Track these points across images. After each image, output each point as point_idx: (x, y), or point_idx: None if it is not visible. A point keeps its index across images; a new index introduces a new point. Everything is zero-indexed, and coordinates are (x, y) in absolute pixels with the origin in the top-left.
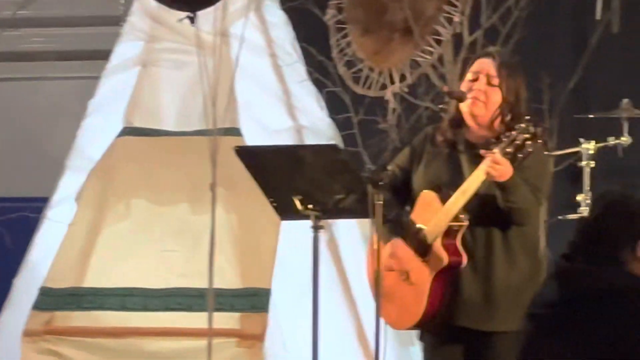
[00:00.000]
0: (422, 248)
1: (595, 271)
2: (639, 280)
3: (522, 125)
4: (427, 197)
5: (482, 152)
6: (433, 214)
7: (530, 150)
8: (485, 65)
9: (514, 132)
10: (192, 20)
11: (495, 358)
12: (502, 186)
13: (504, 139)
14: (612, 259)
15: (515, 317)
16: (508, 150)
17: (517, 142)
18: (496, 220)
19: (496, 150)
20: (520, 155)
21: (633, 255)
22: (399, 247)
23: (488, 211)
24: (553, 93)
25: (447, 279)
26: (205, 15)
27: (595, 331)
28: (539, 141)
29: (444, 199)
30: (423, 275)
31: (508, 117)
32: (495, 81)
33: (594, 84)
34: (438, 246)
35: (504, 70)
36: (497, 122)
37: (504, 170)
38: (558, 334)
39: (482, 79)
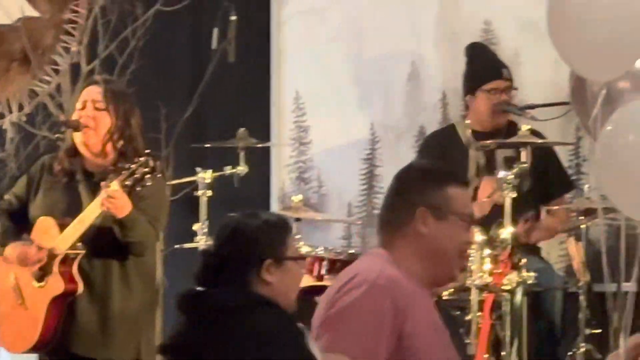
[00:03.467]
0: (39, 274)
1: (216, 293)
2: (259, 297)
3: (142, 158)
4: (44, 224)
5: (102, 184)
6: (51, 241)
7: (149, 183)
8: (91, 92)
9: (133, 165)
10: None
11: None
12: (120, 222)
13: (123, 172)
14: (239, 282)
15: (132, 345)
16: (127, 183)
17: (137, 175)
18: (114, 251)
19: (114, 182)
20: (138, 188)
21: (257, 276)
22: (19, 273)
23: (106, 241)
24: (170, 122)
25: (63, 306)
26: None
27: (223, 348)
28: (159, 175)
29: (62, 227)
30: (39, 301)
31: (120, 142)
32: (102, 105)
33: (211, 113)
34: (55, 273)
35: (109, 94)
36: (109, 147)
37: (121, 205)
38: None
39: (90, 106)
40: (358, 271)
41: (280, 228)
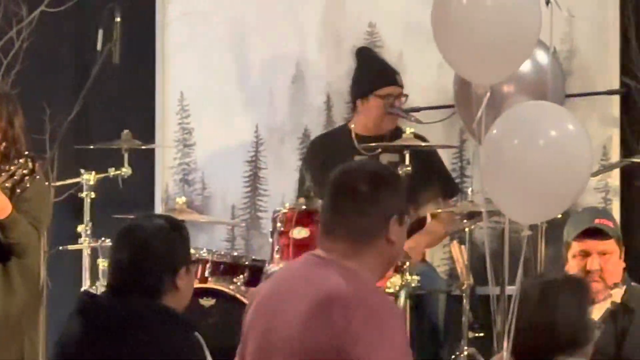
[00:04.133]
0: None
1: (125, 302)
2: (166, 308)
3: (22, 160)
4: None
5: None
6: None
7: (28, 185)
8: None
9: (12, 167)
10: None
11: None
12: (0, 224)
13: (3, 174)
14: (152, 291)
15: (15, 347)
16: (7, 184)
17: (16, 177)
18: None
19: None
20: (18, 190)
21: (172, 284)
22: None
23: None
24: (55, 123)
25: None
26: None
27: (121, 355)
28: (37, 177)
29: None
30: None
31: (3, 144)
32: None
33: (95, 115)
34: None
35: None
36: None
37: (0, 207)
38: None
39: None
40: (362, 295)
41: (186, 233)
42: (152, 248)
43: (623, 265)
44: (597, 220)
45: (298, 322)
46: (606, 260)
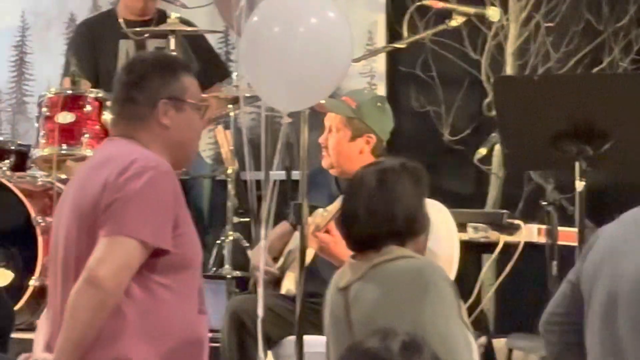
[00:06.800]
0: None
1: None
2: None
3: None
4: None
5: None
6: None
7: None
8: None
9: None
10: None
11: None
12: None
13: None
14: None
15: None
16: None
17: None
18: None
19: None
20: None
21: None
22: None
23: None
24: None
25: None
26: None
27: None
28: None
29: None
30: None
31: None
32: None
33: None
34: None
35: None
36: None
37: None
38: None
39: None
40: (133, 156)
41: None
42: None
43: (359, 151)
44: (343, 98)
45: (85, 186)
46: (330, 136)
